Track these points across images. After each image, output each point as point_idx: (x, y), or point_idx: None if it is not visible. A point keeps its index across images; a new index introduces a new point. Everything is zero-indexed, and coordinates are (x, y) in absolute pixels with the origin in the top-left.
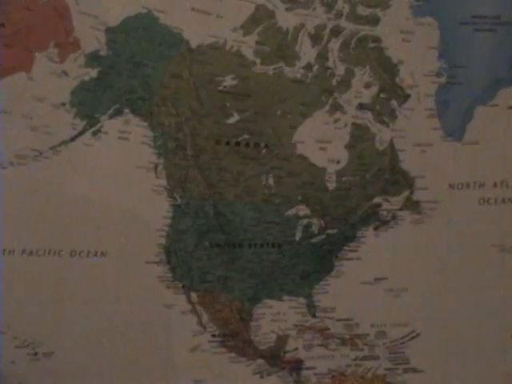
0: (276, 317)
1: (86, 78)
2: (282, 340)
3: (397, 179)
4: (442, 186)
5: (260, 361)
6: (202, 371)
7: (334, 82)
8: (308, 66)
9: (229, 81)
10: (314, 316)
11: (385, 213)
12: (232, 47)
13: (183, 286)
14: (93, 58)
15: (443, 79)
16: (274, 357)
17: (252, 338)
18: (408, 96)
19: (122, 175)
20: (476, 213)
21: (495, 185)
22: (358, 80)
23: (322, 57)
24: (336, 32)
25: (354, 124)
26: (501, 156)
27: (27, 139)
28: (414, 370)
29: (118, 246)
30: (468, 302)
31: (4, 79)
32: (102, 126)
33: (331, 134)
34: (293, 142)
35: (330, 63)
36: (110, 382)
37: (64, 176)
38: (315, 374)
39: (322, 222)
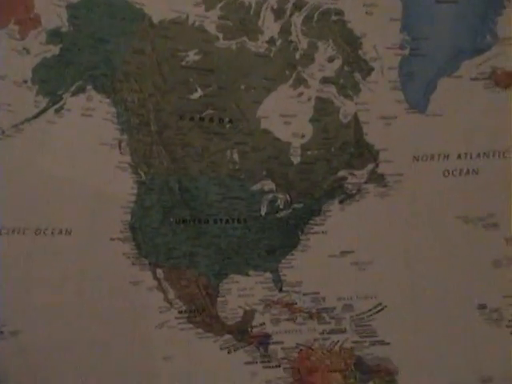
0: (243, 292)
1: (48, 54)
2: (249, 315)
3: (361, 152)
4: (407, 158)
5: (227, 336)
6: (170, 348)
7: (297, 55)
8: (271, 41)
9: (192, 56)
10: (280, 290)
11: (350, 186)
12: (194, 22)
13: (149, 263)
14: (54, 35)
15: (406, 51)
16: (242, 332)
17: (219, 313)
18: (371, 69)
19: (86, 152)
20: (440, 185)
21: (459, 156)
22: (321, 54)
23: (285, 31)
24: (299, 6)
25: (317, 98)
26: (465, 128)
27: None
28: (382, 343)
29: (83, 223)
30: (433, 274)
31: None
32: (64, 104)
33: (295, 108)
34: (257, 116)
35: (293, 37)
36: (77, 359)
37: (27, 154)
38: (282, 349)
39: (287, 196)
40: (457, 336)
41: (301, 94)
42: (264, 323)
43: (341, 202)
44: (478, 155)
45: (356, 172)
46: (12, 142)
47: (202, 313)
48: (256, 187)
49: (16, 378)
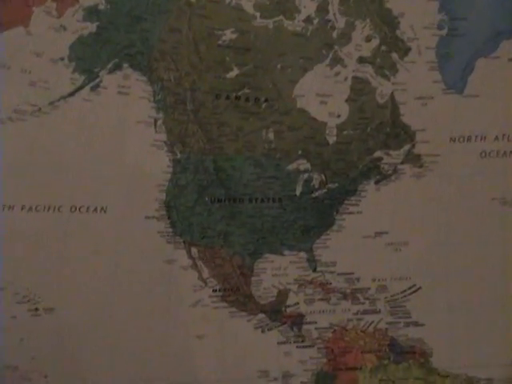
0: (277, 271)
1: (85, 32)
2: (283, 295)
3: (398, 133)
4: (443, 139)
5: (261, 315)
6: (203, 326)
7: (334, 35)
8: (308, 19)
9: (228, 35)
10: (314, 270)
11: (386, 166)
12: (231, 1)
13: (184, 242)
14: (91, 13)
15: (444, 31)
16: (275, 311)
17: (253, 292)
18: (409, 49)
19: (122, 130)
20: (477, 166)
21: (496, 138)
22: (358, 33)
23: (322, 10)
24: None
25: (354, 77)
26: (502, 109)
27: (26, 94)
28: (416, 324)
29: (118, 201)
30: (469, 256)
31: (2, 34)
32: (101, 81)
33: (332, 88)
34: (293, 96)
35: (330, 16)
36: (110, 337)
37: (63, 131)
38: (316, 329)
39: (322, 176)
40: (492, 319)
41: (337, 74)
42: (298, 303)
43: (376, 182)
44: None
45: (392, 152)
46: (48, 119)
47: (235, 292)
48: (291, 167)
49: (50, 355)
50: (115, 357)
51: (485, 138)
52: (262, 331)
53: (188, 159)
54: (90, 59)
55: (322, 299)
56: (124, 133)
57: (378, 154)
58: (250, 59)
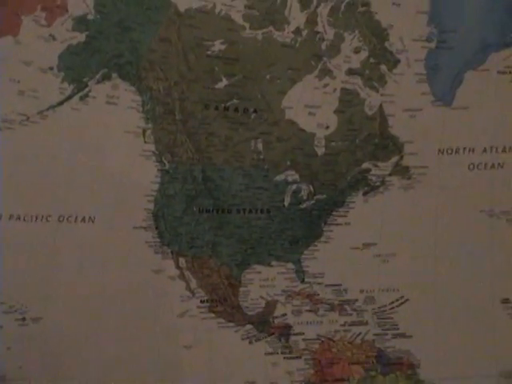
0: (265, 282)
1: (74, 41)
2: (271, 305)
3: (386, 144)
4: (432, 151)
5: (248, 326)
6: (191, 337)
7: (323, 46)
8: (297, 31)
9: (218, 45)
10: (302, 282)
11: (374, 178)
12: (221, 11)
13: (172, 252)
14: (80, 22)
15: (433, 44)
16: (263, 322)
17: (240, 303)
18: (398, 61)
19: (111, 140)
20: (465, 178)
21: (485, 150)
22: (347, 45)
23: (312, 21)
24: None
25: (343, 89)
26: (491, 121)
27: (14, 103)
28: (403, 336)
29: (107, 211)
30: (457, 268)
31: None
32: (89, 91)
33: (320, 99)
34: (282, 106)
35: (319, 28)
36: (98, 346)
37: (52, 141)
38: (304, 340)
39: (311, 187)
40: (479, 330)
41: (326, 85)
42: (286, 314)
43: (364, 193)
44: (504, 149)
45: (380, 164)
46: (37, 128)
47: (223, 302)
48: (280, 178)
49: (37, 364)
50: (103, 366)
51: (473, 150)
52: (250, 342)
53: (176, 169)
54: (79, 69)
55: (309, 310)
56: (112, 143)
57: (366, 165)
58: (238, 70)
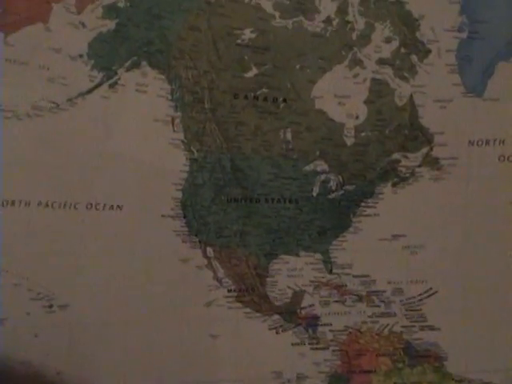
0: (292, 272)
1: (104, 29)
2: (299, 296)
3: (416, 135)
4: (462, 142)
5: (276, 316)
6: (218, 326)
7: (353, 36)
8: (328, 20)
9: (247, 34)
10: (330, 272)
11: (403, 169)
12: (251, 0)
13: (199, 241)
14: (110, 10)
15: (465, 34)
16: (290, 313)
17: (268, 293)
18: (429, 51)
19: (139, 128)
20: (495, 170)
21: None
22: (378, 34)
23: (342, 11)
24: None
25: (373, 79)
26: None
27: (44, 90)
28: (431, 328)
29: (135, 199)
30: (486, 260)
31: (21, 30)
32: (119, 79)
33: (350, 89)
34: (311, 96)
35: (350, 17)
36: (125, 334)
37: (81, 128)
38: (331, 331)
39: (340, 177)
40: (507, 322)
41: (356, 75)
42: (313, 305)
43: (394, 184)
44: None
45: (410, 155)
46: (66, 115)
47: (251, 292)
48: (309, 168)
49: (63, 351)
50: (128, 355)
51: (503, 141)
52: (277, 332)
53: (205, 158)
54: (108, 56)
55: (337, 301)
56: (141, 131)
57: (395, 156)
58: (268, 59)
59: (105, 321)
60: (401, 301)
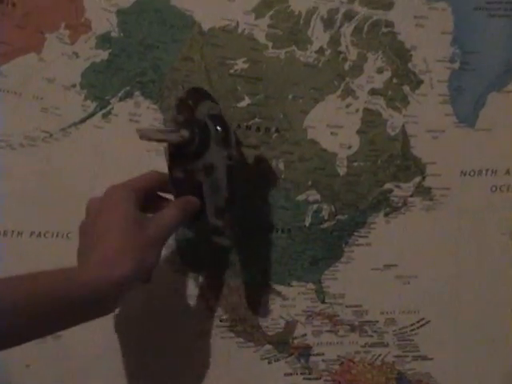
0: (285, 302)
1: (97, 59)
2: (291, 326)
3: (408, 165)
4: (454, 172)
5: (268, 346)
6: (210, 356)
7: (346, 66)
8: (320, 51)
9: (240, 64)
10: (323, 302)
11: (396, 199)
12: (244, 30)
13: (191, 270)
14: (104, 40)
15: (456, 65)
16: (283, 343)
17: (260, 323)
18: (421, 81)
19: (132, 158)
20: (488, 200)
21: (507, 172)
22: (370, 65)
23: (335, 41)
24: (349, 16)
25: (365, 109)
26: None
27: (37, 120)
28: (424, 358)
29: None
30: (478, 290)
31: (15, 60)
32: (112, 109)
33: (343, 119)
34: (304, 126)
35: (342, 48)
36: (117, 365)
37: (74, 158)
38: (323, 361)
39: (332, 207)
40: (499, 353)
41: (349, 105)
42: (305, 334)
43: (386, 214)
44: None
45: (402, 185)
46: (59, 145)
47: (243, 322)
48: (301, 197)
49: (55, 382)
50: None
51: (495, 171)
52: (269, 362)
53: None
54: (101, 86)
55: (329, 331)
56: (134, 161)
57: (388, 186)
58: (261, 89)
59: (97, 351)
60: (393, 331)
